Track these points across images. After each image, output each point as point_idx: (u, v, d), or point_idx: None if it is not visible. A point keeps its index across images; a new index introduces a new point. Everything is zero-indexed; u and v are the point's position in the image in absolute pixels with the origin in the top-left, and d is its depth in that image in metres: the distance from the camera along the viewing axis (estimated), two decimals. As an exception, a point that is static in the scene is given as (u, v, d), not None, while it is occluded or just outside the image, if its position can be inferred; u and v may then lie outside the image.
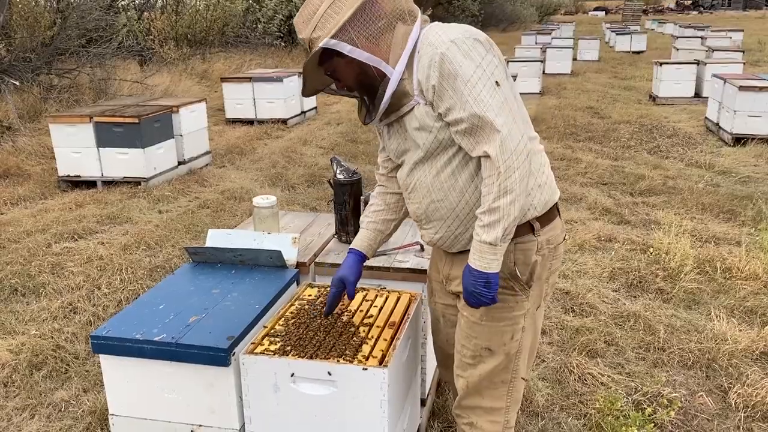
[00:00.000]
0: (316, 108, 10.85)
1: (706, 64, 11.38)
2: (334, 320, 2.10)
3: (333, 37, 1.67)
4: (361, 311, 2.17)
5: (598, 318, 3.71)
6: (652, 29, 32.90)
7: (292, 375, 1.88)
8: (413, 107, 1.75)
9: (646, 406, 2.86)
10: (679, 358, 3.31)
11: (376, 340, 1.99)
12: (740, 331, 3.52)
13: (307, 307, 2.19)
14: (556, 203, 1.91)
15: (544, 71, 13.86)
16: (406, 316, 2.14)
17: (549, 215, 1.86)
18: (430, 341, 2.52)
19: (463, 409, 2.02)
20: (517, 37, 22.22)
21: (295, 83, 9.85)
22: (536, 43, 18.22)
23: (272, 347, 1.95)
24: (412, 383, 2.33)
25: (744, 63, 11.84)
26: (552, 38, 19.24)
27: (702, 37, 18.44)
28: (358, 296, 2.26)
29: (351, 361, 1.86)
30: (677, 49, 14.85)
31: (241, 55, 15.22)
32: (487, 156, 1.64)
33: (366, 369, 1.82)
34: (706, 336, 3.49)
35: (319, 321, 2.09)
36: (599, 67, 16.98)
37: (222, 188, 6.51)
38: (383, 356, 1.90)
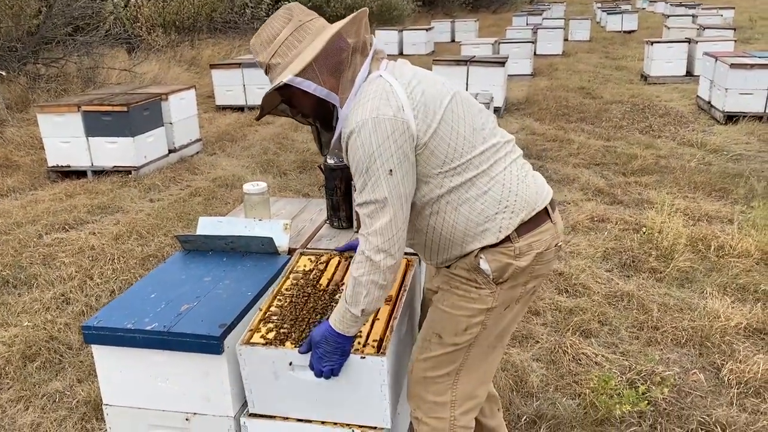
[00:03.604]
0: (306, 93, 10.76)
1: (697, 42, 11.34)
2: (330, 297, 2.07)
3: (298, 74, 1.66)
4: None
5: (592, 298, 3.72)
6: (643, 8, 32.74)
7: (291, 364, 1.86)
8: None
9: (639, 385, 2.87)
10: (673, 336, 3.33)
11: (374, 321, 1.98)
12: (733, 308, 3.54)
13: (302, 282, 2.15)
14: (546, 207, 1.83)
15: (535, 52, 13.81)
16: (402, 289, 2.10)
17: (533, 222, 1.79)
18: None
19: (411, 399, 2.00)
20: (509, 18, 22.11)
21: (285, 68, 9.76)
22: (527, 24, 18.15)
23: (270, 334, 1.92)
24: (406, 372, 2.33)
25: (735, 41, 11.83)
26: (543, 19, 19.15)
27: (693, 15, 18.41)
28: None
29: None
30: (668, 28, 14.80)
31: (230, 41, 15.09)
32: (365, 236, 1.68)
33: (364, 358, 1.80)
34: (699, 314, 3.50)
35: (314, 299, 2.06)
36: (590, 47, 16.91)
37: (213, 176, 6.47)
38: (381, 341, 1.88)
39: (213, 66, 9.93)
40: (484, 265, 1.77)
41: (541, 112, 8.96)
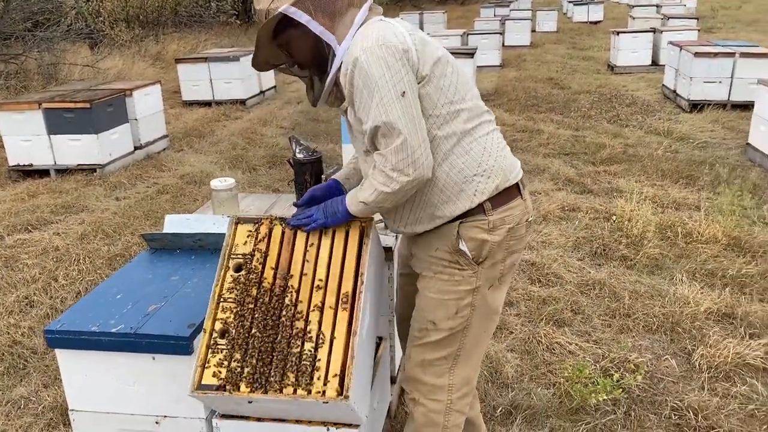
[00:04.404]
0: (275, 87, 10.66)
1: (662, 32, 11.50)
2: (279, 303, 1.81)
3: (292, 5, 1.71)
4: (306, 275, 1.85)
5: (564, 287, 3.73)
6: (609, -1, 33.09)
7: (251, 402, 1.75)
8: (346, 109, 1.81)
9: (613, 372, 2.89)
10: (644, 323, 3.36)
11: (332, 340, 1.75)
12: (702, 293, 3.59)
13: (243, 278, 1.86)
14: (518, 183, 1.87)
15: (503, 43, 13.86)
16: (359, 275, 1.82)
17: (506, 195, 1.84)
18: (398, 319, 2.49)
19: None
20: (477, 10, 22.15)
21: (252, 62, 9.64)
22: (495, 16, 18.18)
23: (221, 369, 1.74)
24: (381, 360, 2.30)
25: (699, 30, 12.00)
26: (510, 10, 19.20)
27: (657, 6, 18.65)
28: (301, 243, 1.89)
29: (309, 391, 1.69)
30: (633, 18, 14.97)
31: (196, 35, 14.85)
32: (383, 155, 1.70)
33: (327, 402, 1.68)
34: (669, 300, 3.54)
35: (263, 310, 1.80)
36: (558, 38, 17.03)
37: (181, 172, 6.35)
38: (342, 373, 1.70)
39: (179, 60, 9.74)
40: (463, 246, 1.81)
41: (511, 102, 8.99)
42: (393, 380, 2.62)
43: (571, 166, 6.15)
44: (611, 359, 3.03)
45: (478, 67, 11.23)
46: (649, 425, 2.62)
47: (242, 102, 9.44)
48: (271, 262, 1.88)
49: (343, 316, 1.78)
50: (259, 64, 1.88)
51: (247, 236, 1.94)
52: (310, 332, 1.77)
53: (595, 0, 21.49)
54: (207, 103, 9.54)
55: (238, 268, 1.89)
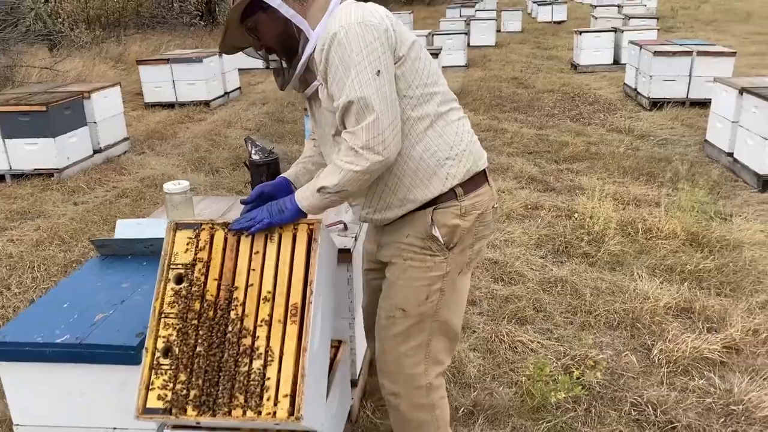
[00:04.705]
0: (240, 89, 10.54)
1: (623, 31, 11.67)
2: (224, 320, 1.71)
3: None
4: (252, 285, 1.75)
5: (527, 285, 3.75)
6: (573, -1, 33.55)
7: (198, 424, 1.69)
8: (318, 87, 1.81)
9: (574, 370, 2.90)
10: (605, 319, 3.39)
11: (281, 357, 1.67)
12: (661, 288, 3.63)
13: (185, 290, 1.75)
14: (485, 171, 1.91)
15: (469, 44, 13.93)
16: (309, 284, 1.72)
17: (475, 181, 1.87)
18: (358, 321, 2.47)
19: (386, 376, 2.00)
20: (443, 10, 22.24)
21: (215, 64, 9.52)
22: (461, 16, 18.29)
23: (166, 392, 1.66)
24: (340, 364, 2.27)
25: (658, 29, 12.22)
26: (476, 11, 19.34)
27: (619, 6, 18.95)
28: (245, 250, 1.79)
29: (259, 413, 1.63)
30: (595, 18, 15.17)
31: (159, 36, 14.62)
32: (353, 132, 1.68)
33: (278, 424, 1.63)
34: (630, 296, 3.58)
35: (207, 327, 1.71)
36: (523, 37, 17.18)
37: (141, 176, 6.23)
38: (293, 392, 1.63)
39: (140, 62, 9.56)
40: (436, 232, 1.83)
41: (476, 102, 9.03)
42: (354, 383, 2.59)
43: (535, 164, 6.20)
44: (572, 356, 3.04)
45: (443, 67, 11.28)
46: (609, 422, 2.64)
47: (206, 104, 9.31)
48: (214, 272, 1.77)
49: (292, 330, 1.69)
50: (227, 47, 1.86)
51: (188, 243, 1.81)
52: (258, 349, 1.68)
53: (559, 0, 21.76)
54: (170, 105, 9.38)
55: (179, 280, 1.78)
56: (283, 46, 1.81)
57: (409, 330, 1.92)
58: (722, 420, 2.63)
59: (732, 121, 5.70)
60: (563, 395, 2.69)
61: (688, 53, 7.99)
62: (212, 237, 1.82)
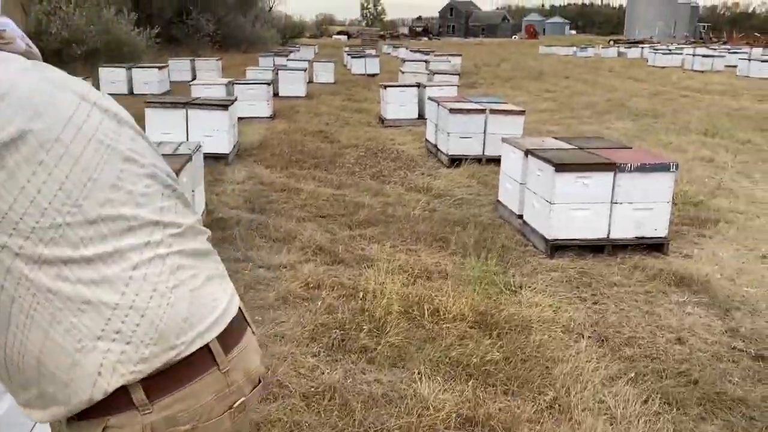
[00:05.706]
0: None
1: (425, 86, 11.80)
2: None
3: None
4: None
5: (287, 402, 3.02)
6: (388, 53, 34.94)
7: None
8: None
9: None
10: (377, 441, 2.76)
11: None
12: (445, 390, 3.11)
13: None
14: (211, 345, 1.12)
15: (277, 94, 13.41)
16: None
17: (183, 373, 1.09)
18: None
19: None
20: (257, 58, 21.68)
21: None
22: (274, 65, 17.83)
23: None
24: None
25: (458, 86, 12.56)
26: (288, 60, 19.03)
27: (426, 61, 19.66)
28: None
29: None
30: (403, 72, 15.46)
31: None
32: None
33: None
34: (407, 405, 3.00)
35: None
36: (335, 89, 17.08)
37: None
38: None
39: None
40: None
41: (274, 158, 8.39)
42: None
43: (326, 230, 5.61)
44: None
45: (245, 118, 10.59)
46: None
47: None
48: None
49: None
50: None
51: None
52: None
53: (373, 53, 22.24)
54: None
55: None
56: None
57: None
58: None
59: (520, 182, 5.56)
60: None
61: (482, 111, 8.02)
62: None
